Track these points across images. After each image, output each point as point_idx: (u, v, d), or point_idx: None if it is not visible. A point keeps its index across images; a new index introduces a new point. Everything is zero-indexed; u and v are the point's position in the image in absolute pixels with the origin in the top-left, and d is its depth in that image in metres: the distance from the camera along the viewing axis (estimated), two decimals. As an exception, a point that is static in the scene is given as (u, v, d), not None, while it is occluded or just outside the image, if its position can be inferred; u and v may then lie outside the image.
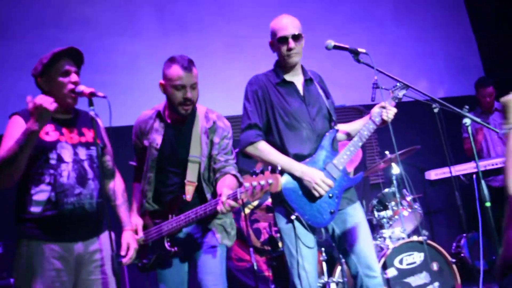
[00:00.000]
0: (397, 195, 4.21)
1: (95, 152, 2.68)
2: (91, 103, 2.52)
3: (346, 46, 2.92)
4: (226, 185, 2.78)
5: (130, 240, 2.81)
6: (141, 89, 5.01)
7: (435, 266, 3.94)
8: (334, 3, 6.30)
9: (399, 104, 3.10)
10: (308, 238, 2.83)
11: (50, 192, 2.53)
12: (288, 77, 2.99)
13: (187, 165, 2.90)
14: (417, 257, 3.90)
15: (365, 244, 2.89)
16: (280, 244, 4.25)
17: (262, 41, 5.80)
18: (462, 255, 5.16)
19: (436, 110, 3.06)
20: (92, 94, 2.51)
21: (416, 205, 4.32)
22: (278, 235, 4.01)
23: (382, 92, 2.90)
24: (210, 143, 2.95)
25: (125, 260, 2.77)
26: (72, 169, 2.59)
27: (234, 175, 2.92)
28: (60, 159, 2.57)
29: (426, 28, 6.66)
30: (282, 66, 3.00)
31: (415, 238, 4.00)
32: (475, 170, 3.76)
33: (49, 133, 2.58)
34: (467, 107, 2.84)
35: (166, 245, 2.89)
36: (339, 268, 3.92)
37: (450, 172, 3.83)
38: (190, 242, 2.94)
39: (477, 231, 4.40)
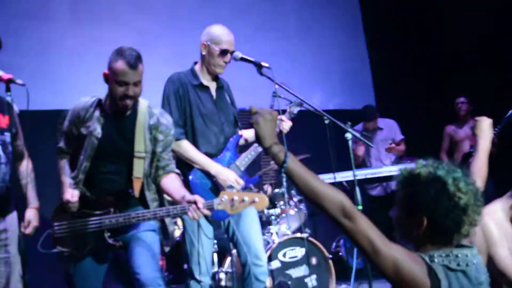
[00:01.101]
0: (286, 196, 4.51)
1: (9, 138, 2.76)
2: (8, 89, 2.56)
3: (252, 59, 3.18)
4: (178, 186, 2.85)
5: (32, 218, 2.93)
6: (50, 75, 4.99)
7: (314, 261, 4.21)
8: (242, 13, 6.44)
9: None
10: (209, 230, 3.11)
11: None
12: (205, 81, 3.23)
13: (132, 160, 2.83)
14: (299, 252, 4.15)
15: (255, 236, 3.22)
16: (176, 234, 4.51)
17: (172, 39, 6.00)
18: (340, 254, 5.58)
19: (326, 122, 3.43)
20: (10, 81, 2.55)
21: (302, 206, 4.66)
22: (176, 226, 4.27)
23: (281, 100, 3.26)
24: (153, 140, 2.90)
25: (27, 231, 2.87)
26: None
27: (178, 174, 2.97)
28: None
29: (325, 45, 7.04)
30: (205, 71, 3.22)
31: (298, 234, 4.25)
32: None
33: None
34: (349, 123, 3.27)
35: (109, 239, 2.78)
36: (228, 259, 4.15)
37: (334, 178, 4.25)
38: (126, 231, 2.86)
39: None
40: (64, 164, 2.95)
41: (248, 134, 3.39)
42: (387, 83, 7.26)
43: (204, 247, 3.11)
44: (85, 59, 5.30)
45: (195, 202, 2.64)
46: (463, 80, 6.62)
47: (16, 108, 2.80)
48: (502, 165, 5.66)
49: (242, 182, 3.13)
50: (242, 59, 3.19)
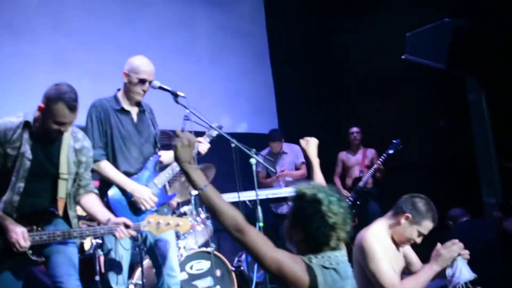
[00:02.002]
0: (194, 212, 4.77)
1: None
2: None
3: (169, 88, 3.50)
4: (101, 207, 3.11)
5: None
6: None
7: (218, 273, 4.48)
8: (156, 37, 6.63)
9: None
10: (126, 241, 3.34)
11: None
12: (126, 106, 3.51)
13: (57, 181, 2.99)
14: (205, 265, 4.41)
15: (171, 250, 3.52)
16: (86, 247, 4.66)
17: (89, 58, 6.10)
18: (241, 268, 5.95)
19: (232, 145, 3.79)
20: None
21: (208, 222, 4.92)
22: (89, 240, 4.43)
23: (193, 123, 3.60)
24: (77, 162, 3.08)
25: None
26: None
27: (97, 194, 3.20)
28: None
29: (234, 71, 7.42)
30: (126, 97, 3.49)
31: (204, 249, 4.53)
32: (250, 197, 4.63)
33: None
34: (254, 150, 3.67)
35: (32, 256, 2.89)
36: (139, 270, 4.29)
37: (238, 197, 4.62)
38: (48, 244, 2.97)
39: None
40: None
41: (167, 155, 3.66)
42: (290, 109, 7.77)
43: (122, 258, 3.36)
44: (6, 75, 5.35)
45: (124, 224, 2.91)
46: (355, 110, 7.34)
47: None
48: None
49: (155, 199, 3.42)
50: (160, 87, 3.51)
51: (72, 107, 2.83)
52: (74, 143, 3.07)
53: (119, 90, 3.60)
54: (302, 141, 3.24)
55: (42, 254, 2.95)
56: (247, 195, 4.84)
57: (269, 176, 6.36)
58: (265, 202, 5.52)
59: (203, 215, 4.93)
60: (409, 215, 3.01)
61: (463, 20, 4.72)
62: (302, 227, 2.09)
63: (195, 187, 2.09)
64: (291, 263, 2.01)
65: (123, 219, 2.97)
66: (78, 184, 3.13)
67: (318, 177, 3.07)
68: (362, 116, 7.08)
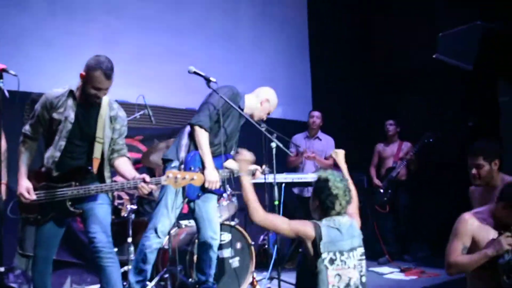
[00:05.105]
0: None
1: None
2: (0, 77, 3.05)
3: (202, 73, 3.85)
4: (130, 169, 3.48)
5: (2, 192, 3.13)
6: (24, 60, 5.25)
7: (238, 245, 4.76)
8: (200, 23, 6.92)
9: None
10: (180, 201, 3.90)
11: None
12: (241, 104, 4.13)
13: (94, 143, 3.40)
14: (226, 237, 4.68)
15: (215, 217, 4.05)
16: (122, 212, 5.12)
17: (138, 38, 6.46)
18: (265, 246, 6.26)
19: (263, 129, 4.14)
20: (4, 70, 3.05)
21: (234, 199, 5.22)
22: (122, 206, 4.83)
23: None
24: (112, 128, 3.49)
25: None
26: None
27: (128, 157, 3.59)
28: None
29: (273, 58, 7.66)
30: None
31: (227, 222, 4.80)
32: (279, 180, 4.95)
33: None
34: (275, 134, 3.99)
35: (71, 207, 3.32)
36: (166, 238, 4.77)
37: (265, 178, 4.93)
38: (85, 201, 3.40)
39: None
40: (24, 151, 3.41)
41: (231, 162, 4.11)
42: (325, 99, 7.99)
43: (173, 212, 3.82)
44: (58, 49, 5.70)
45: (143, 179, 3.30)
46: (391, 103, 7.51)
47: (6, 94, 3.18)
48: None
49: (218, 185, 3.86)
50: (194, 72, 3.85)
51: (108, 75, 3.24)
52: (110, 112, 3.48)
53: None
54: (332, 153, 3.74)
55: (79, 207, 3.38)
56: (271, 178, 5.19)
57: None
58: (290, 185, 5.84)
59: (229, 192, 5.16)
60: None
61: (494, 23, 4.85)
62: (317, 197, 3.01)
63: (242, 189, 3.00)
64: (302, 225, 2.93)
65: (143, 176, 3.32)
66: (112, 149, 3.52)
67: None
68: (397, 110, 7.27)
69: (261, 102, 4.14)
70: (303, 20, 8.25)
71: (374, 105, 7.93)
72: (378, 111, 7.62)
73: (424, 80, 7.12)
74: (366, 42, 8.18)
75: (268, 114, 4.17)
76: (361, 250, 2.99)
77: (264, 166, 4.19)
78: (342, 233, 2.93)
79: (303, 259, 3.01)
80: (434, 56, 4.96)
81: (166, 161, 3.93)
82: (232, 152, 4.12)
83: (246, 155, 3.15)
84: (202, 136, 3.83)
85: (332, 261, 2.86)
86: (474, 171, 3.57)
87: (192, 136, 3.89)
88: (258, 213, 2.93)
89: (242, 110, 4.04)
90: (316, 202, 3.03)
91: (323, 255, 2.86)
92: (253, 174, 4.08)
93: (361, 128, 7.81)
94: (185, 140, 3.91)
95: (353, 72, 8.07)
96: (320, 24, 8.16)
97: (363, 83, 8.04)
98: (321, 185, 3.01)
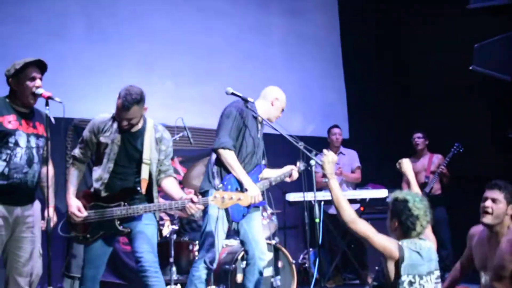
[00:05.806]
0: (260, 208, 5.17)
1: (42, 142, 3.38)
2: (47, 104, 3.22)
3: (240, 94, 3.90)
4: (177, 188, 3.58)
5: (51, 216, 3.31)
6: (64, 87, 5.45)
7: (280, 264, 4.75)
8: (232, 43, 7.04)
9: (274, 138, 4.29)
10: (226, 226, 3.86)
11: (4, 167, 3.20)
12: (260, 118, 4.03)
13: (141, 165, 3.52)
14: (268, 256, 4.33)
15: (262, 237, 4.00)
16: (164, 232, 5.16)
17: (170, 60, 6.54)
18: (305, 265, 6.24)
19: (301, 147, 4.07)
20: (49, 98, 3.21)
21: (274, 218, 5.22)
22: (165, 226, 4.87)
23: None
24: (158, 150, 3.62)
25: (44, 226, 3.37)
26: (24, 153, 3.27)
27: (175, 177, 3.69)
28: (16, 144, 3.24)
29: (307, 77, 7.68)
30: (263, 110, 4.04)
31: (268, 241, 4.68)
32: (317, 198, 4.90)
33: (11, 122, 3.24)
34: (314, 151, 3.96)
35: (120, 227, 3.44)
36: None
37: (304, 197, 4.85)
38: (132, 220, 3.49)
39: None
40: (74, 172, 3.57)
41: (267, 171, 4.13)
42: (360, 115, 7.96)
43: (219, 239, 3.80)
44: (96, 75, 5.87)
45: (191, 199, 3.35)
46: (424, 118, 7.43)
47: (52, 120, 3.32)
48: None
49: (261, 198, 3.78)
50: (232, 93, 3.91)
51: (126, 107, 3.35)
52: (155, 134, 3.60)
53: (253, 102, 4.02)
54: (397, 164, 3.73)
55: (127, 226, 3.48)
56: (308, 195, 5.17)
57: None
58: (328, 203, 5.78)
59: (269, 211, 5.22)
60: None
61: (532, 33, 4.78)
62: (397, 218, 2.97)
63: (331, 191, 3.07)
64: (388, 243, 2.91)
65: (191, 196, 3.39)
66: (159, 170, 3.63)
67: (415, 189, 3.47)
68: (430, 123, 7.16)
69: (271, 102, 4.11)
70: (336, 38, 8.25)
71: (407, 120, 7.87)
72: (410, 126, 7.55)
73: (459, 92, 7.03)
74: (399, 57, 8.15)
75: (282, 111, 4.16)
76: (438, 273, 2.99)
77: (298, 164, 4.18)
78: (422, 257, 2.92)
79: (382, 277, 3.03)
80: (470, 68, 4.90)
81: (203, 194, 3.89)
82: (263, 162, 4.11)
83: (330, 156, 3.17)
84: (230, 157, 3.80)
85: (411, 284, 2.88)
86: (488, 203, 3.29)
87: (220, 162, 3.86)
88: (350, 214, 2.96)
89: (256, 118, 4.00)
90: (395, 223, 3.00)
91: (403, 277, 2.87)
92: (290, 175, 4.07)
93: (394, 143, 7.73)
94: (214, 168, 3.88)
95: (387, 88, 8.06)
96: (353, 41, 8.16)
97: (397, 99, 8.03)
98: (400, 206, 2.97)
